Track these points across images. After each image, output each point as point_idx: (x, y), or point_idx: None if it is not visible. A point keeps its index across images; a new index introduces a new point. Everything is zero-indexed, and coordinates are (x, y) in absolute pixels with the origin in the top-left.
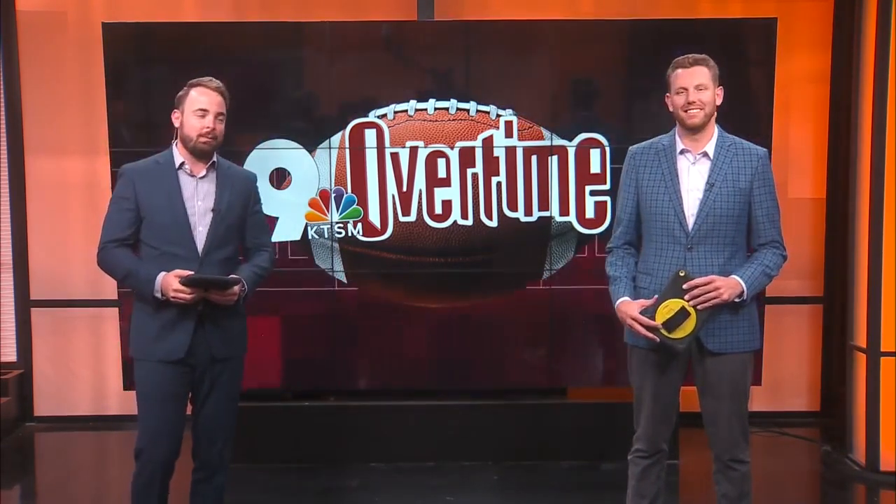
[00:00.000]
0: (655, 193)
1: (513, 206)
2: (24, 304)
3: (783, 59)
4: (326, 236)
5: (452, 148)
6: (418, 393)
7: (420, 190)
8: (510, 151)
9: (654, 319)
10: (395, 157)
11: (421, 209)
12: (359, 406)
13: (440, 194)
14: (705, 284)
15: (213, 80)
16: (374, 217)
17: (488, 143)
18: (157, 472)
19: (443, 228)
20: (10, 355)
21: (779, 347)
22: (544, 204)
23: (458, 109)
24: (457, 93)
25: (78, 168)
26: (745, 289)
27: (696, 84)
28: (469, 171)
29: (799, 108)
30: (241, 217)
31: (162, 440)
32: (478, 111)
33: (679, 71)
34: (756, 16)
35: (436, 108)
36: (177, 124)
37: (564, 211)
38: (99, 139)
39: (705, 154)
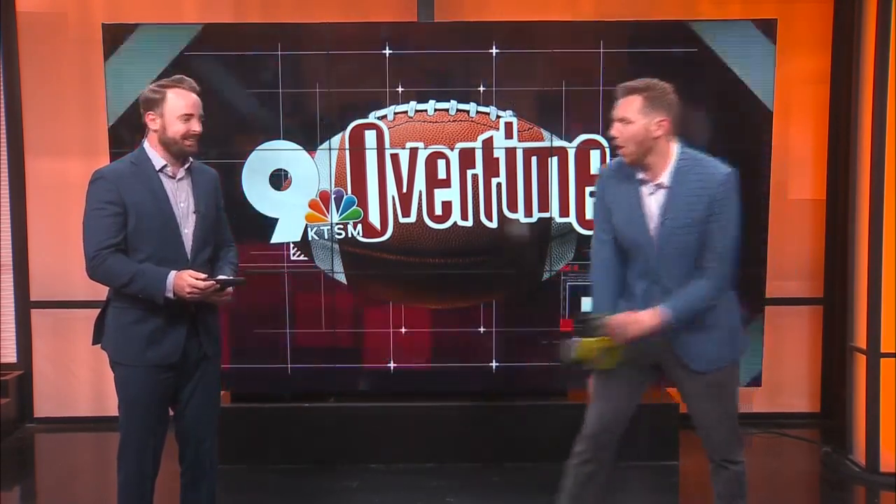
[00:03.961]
0: (624, 222)
1: (513, 207)
2: (24, 305)
3: (783, 60)
4: (326, 237)
5: (452, 149)
6: (418, 394)
7: (420, 191)
8: (510, 152)
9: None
10: (394, 158)
11: (421, 210)
12: (358, 407)
13: (440, 195)
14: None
15: (186, 78)
16: (374, 218)
17: (488, 144)
18: (147, 480)
19: (443, 229)
20: (10, 356)
21: (779, 348)
22: (544, 205)
23: (458, 111)
24: (457, 94)
25: (78, 169)
26: (666, 316)
27: (619, 117)
28: (469, 173)
29: (799, 109)
30: (215, 216)
31: (150, 448)
32: (478, 112)
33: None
34: (756, 16)
35: (436, 110)
36: (154, 127)
37: (564, 212)
38: (99, 140)
39: (661, 185)
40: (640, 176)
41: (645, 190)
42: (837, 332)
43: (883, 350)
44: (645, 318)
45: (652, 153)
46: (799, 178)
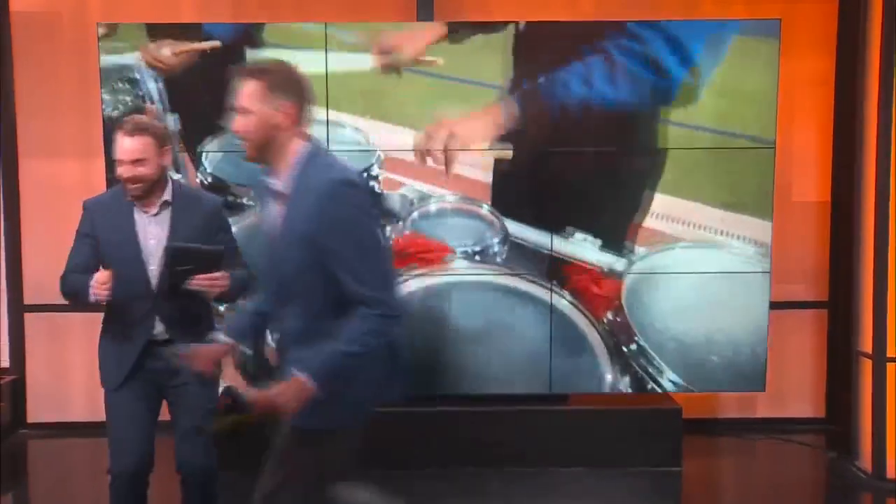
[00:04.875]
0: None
1: None
2: (18, 308)
3: (787, 61)
4: None
5: None
6: (419, 399)
7: None
8: None
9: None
10: None
11: None
12: None
13: None
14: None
15: (133, 120)
16: None
17: None
18: (126, 489)
19: None
20: (4, 361)
21: (783, 353)
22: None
23: None
24: None
25: (72, 171)
26: (305, 381)
27: (236, 106)
28: None
29: (803, 110)
30: None
31: (127, 459)
32: None
33: None
34: (759, 17)
35: None
36: None
37: None
38: (94, 141)
39: (282, 193)
40: (271, 182)
41: (274, 201)
42: (843, 337)
43: (889, 354)
44: (289, 391)
45: (274, 150)
46: (803, 181)
